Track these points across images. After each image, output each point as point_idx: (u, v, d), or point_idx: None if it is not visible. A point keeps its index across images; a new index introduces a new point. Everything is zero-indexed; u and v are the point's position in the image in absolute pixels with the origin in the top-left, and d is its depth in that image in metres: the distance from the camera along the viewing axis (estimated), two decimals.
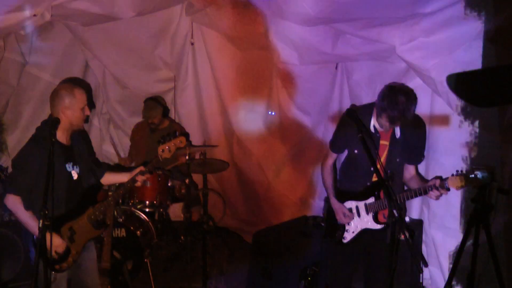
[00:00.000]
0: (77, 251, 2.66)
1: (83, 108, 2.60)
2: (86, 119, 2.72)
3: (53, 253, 2.52)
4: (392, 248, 2.26)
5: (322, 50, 3.55)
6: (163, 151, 2.76)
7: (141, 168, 2.83)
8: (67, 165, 2.62)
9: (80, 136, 2.80)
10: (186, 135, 3.84)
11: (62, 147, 2.59)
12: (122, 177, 2.94)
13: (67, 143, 2.65)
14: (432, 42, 2.87)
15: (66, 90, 2.57)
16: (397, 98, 2.51)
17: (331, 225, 3.02)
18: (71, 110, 2.56)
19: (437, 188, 2.52)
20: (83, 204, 2.70)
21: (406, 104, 2.51)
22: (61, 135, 2.60)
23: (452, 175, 2.47)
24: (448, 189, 2.50)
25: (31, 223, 2.49)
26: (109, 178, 3.00)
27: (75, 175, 2.66)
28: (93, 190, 2.83)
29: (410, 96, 2.54)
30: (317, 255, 3.42)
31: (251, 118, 4.72)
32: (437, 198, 2.58)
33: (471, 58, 2.73)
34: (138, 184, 2.85)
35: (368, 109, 2.75)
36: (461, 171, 2.45)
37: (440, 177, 2.55)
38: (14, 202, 2.50)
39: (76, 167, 2.67)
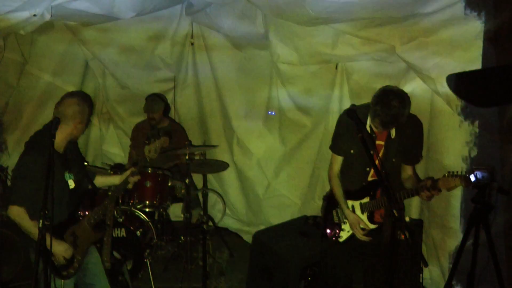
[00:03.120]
0: (81, 255, 2.67)
1: (86, 123, 2.64)
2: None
3: (61, 259, 2.54)
4: (392, 248, 2.26)
5: (322, 50, 3.55)
6: (149, 151, 2.80)
7: (132, 169, 2.84)
8: (65, 174, 2.62)
9: (70, 143, 2.79)
10: (189, 143, 3.88)
11: (58, 156, 2.58)
12: (113, 179, 2.96)
13: (62, 151, 2.65)
14: (432, 42, 2.87)
15: (69, 104, 2.58)
16: (390, 103, 2.49)
17: (328, 223, 3.02)
18: (74, 124, 2.58)
19: (428, 189, 2.51)
20: (84, 207, 2.71)
21: (399, 108, 2.50)
22: (58, 145, 2.59)
23: (444, 176, 2.46)
24: (440, 190, 2.49)
25: (37, 232, 2.48)
26: (100, 181, 2.99)
27: (72, 182, 2.66)
28: (90, 194, 2.83)
29: (403, 100, 2.53)
30: (317, 255, 3.42)
31: (251, 118, 4.73)
32: (429, 199, 2.56)
33: (471, 58, 2.73)
34: (130, 186, 2.86)
35: (364, 109, 2.75)
36: (453, 172, 2.45)
37: (431, 178, 2.55)
38: (18, 213, 2.47)
39: (71, 174, 2.67)
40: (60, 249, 2.53)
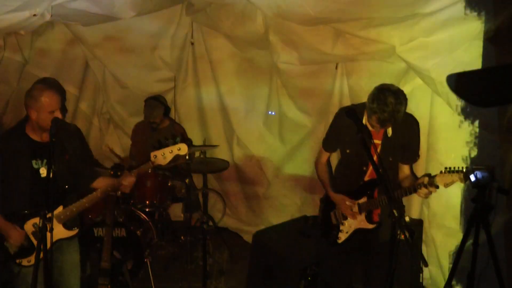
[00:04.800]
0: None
1: (51, 112, 2.53)
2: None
3: (10, 245, 2.55)
4: (392, 248, 2.26)
5: (322, 50, 3.55)
6: (155, 157, 2.64)
7: (125, 172, 2.77)
8: (34, 161, 2.59)
9: (71, 136, 2.75)
10: (189, 141, 3.76)
11: (32, 142, 2.59)
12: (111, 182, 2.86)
13: (41, 139, 2.63)
14: (432, 42, 2.87)
15: (36, 91, 2.54)
16: (387, 100, 2.51)
17: (326, 225, 3.02)
18: (37, 112, 2.52)
19: (425, 186, 2.52)
20: (55, 202, 2.62)
21: (395, 105, 2.51)
22: (32, 132, 2.60)
23: (440, 172, 2.47)
24: (437, 187, 2.50)
25: None
26: (101, 182, 2.88)
27: (44, 172, 2.61)
28: (73, 191, 2.77)
29: (399, 97, 2.54)
30: (317, 255, 3.42)
31: (251, 118, 4.73)
32: (426, 196, 2.58)
33: (471, 58, 2.73)
34: (126, 190, 2.77)
35: (360, 108, 2.75)
36: (450, 168, 2.45)
37: (428, 175, 2.56)
38: None
39: (46, 163, 2.61)
40: (10, 234, 2.52)
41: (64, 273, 2.79)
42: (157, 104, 4.57)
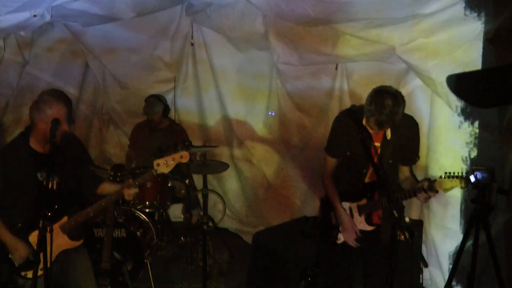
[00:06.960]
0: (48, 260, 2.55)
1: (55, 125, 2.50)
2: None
3: (18, 258, 2.54)
4: (392, 249, 2.26)
5: (322, 50, 3.55)
6: (158, 165, 2.59)
7: (129, 181, 2.70)
8: (39, 174, 2.59)
9: (69, 145, 2.74)
10: (189, 144, 3.67)
11: (36, 155, 2.58)
12: (115, 188, 2.81)
13: (44, 151, 2.62)
14: (432, 43, 2.87)
15: (44, 104, 2.54)
16: (384, 102, 2.50)
17: (326, 225, 3.02)
18: (46, 124, 2.50)
19: (425, 191, 2.51)
20: (60, 213, 2.62)
21: (393, 107, 2.50)
22: (36, 144, 2.59)
23: (440, 177, 2.47)
24: (437, 191, 2.50)
25: None
26: (103, 188, 2.86)
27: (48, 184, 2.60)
28: (76, 200, 2.75)
29: (397, 99, 2.54)
30: (317, 255, 3.42)
31: (251, 118, 4.72)
32: (426, 200, 2.57)
33: (471, 58, 2.73)
34: (129, 198, 2.72)
35: (359, 111, 2.74)
36: (450, 173, 2.45)
37: (428, 179, 2.55)
38: None
39: (54, 176, 2.59)
40: (17, 248, 2.52)
41: (79, 282, 2.77)
42: (156, 102, 4.57)
